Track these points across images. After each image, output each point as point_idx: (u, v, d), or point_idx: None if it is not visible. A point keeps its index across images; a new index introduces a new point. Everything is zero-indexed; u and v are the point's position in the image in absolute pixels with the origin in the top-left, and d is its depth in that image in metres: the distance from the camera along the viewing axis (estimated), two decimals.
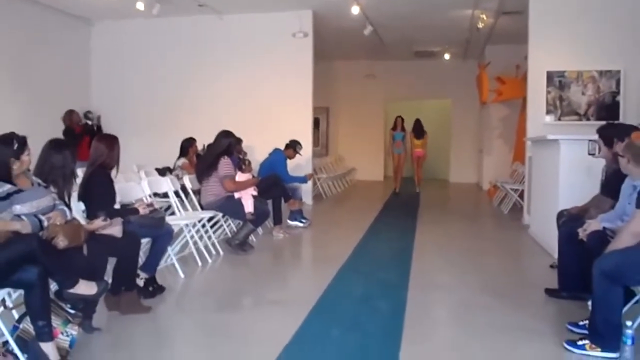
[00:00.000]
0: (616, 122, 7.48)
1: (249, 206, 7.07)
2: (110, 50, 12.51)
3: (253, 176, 7.69)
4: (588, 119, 9.01)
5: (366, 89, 18.08)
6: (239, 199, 7.08)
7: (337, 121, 18.62)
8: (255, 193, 7.27)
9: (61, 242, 3.55)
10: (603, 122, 5.48)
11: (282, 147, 9.47)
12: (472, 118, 17.45)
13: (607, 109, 8.94)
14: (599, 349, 3.73)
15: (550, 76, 9.13)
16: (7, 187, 3.62)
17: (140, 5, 10.52)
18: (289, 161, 9.39)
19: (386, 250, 7.51)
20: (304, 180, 9.60)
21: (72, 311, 3.71)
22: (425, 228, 9.03)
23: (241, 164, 7.39)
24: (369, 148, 18.40)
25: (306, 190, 11.22)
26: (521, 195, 10.09)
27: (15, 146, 3.69)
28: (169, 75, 12.25)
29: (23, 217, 3.59)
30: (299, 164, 10.58)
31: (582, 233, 4.39)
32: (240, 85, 11.96)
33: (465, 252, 7.32)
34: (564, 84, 9.10)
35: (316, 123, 14.78)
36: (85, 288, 3.67)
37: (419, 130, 14.37)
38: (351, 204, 13.06)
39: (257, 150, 9.92)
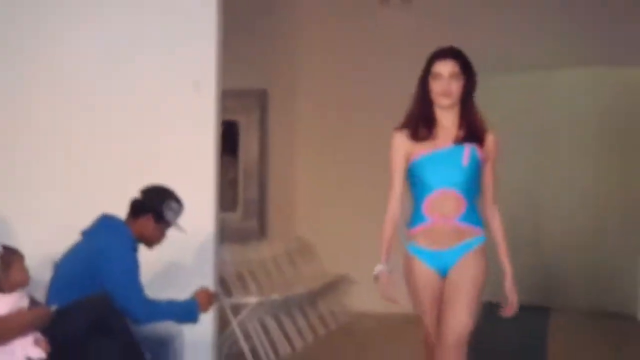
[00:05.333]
0: None
1: None
2: None
3: (34, 301, 3.37)
4: None
5: (380, 39, 7.18)
6: None
7: (293, 133, 7.61)
8: (39, 355, 3.33)
9: None
10: None
11: (124, 213, 3.51)
12: None
13: None
14: None
15: None
16: None
17: None
18: (142, 252, 3.53)
19: None
20: (191, 314, 3.64)
21: None
22: None
23: None
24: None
25: (200, 342, 4.06)
26: None
27: None
28: None
29: None
30: (180, 264, 4.14)
31: None
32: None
33: None
34: None
35: (228, 136, 6.60)
36: None
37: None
38: None
39: (57, 214, 4.02)
